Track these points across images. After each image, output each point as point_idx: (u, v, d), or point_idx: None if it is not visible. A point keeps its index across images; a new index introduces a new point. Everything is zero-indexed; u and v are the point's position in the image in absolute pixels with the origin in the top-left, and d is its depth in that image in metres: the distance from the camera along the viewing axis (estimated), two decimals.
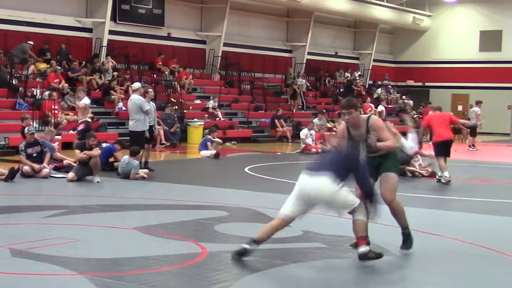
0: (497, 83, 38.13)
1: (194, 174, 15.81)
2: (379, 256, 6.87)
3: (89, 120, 16.33)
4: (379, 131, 7.25)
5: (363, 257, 6.81)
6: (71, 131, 19.22)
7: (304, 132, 22.09)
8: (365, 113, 27.96)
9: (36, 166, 13.54)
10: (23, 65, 23.00)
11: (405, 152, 15.04)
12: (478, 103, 26.55)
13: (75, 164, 13.99)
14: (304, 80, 32.82)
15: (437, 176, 14.35)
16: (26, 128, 14.57)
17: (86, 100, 16.75)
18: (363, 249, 6.82)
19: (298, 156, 21.08)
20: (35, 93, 22.02)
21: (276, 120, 27.63)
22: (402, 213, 7.47)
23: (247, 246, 6.91)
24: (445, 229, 8.70)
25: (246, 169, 16.26)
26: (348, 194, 6.91)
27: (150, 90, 15.90)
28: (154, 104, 16.03)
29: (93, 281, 6.10)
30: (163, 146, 22.58)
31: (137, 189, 12.62)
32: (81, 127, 16.04)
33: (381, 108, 29.76)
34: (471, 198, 12.78)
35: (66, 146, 17.91)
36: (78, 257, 7.03)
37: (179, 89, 27.38)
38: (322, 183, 6.79)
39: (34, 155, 13.82)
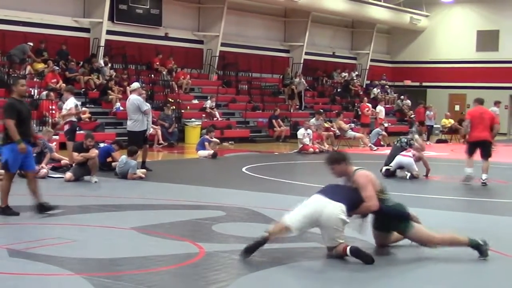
0: (494, 83, 38.14)
1: (192, 174, 15.80)
2: (368, 258, 6.94)
3: (75, 120, 16.13)
4: (360, 189, 7.27)
5: (354, 251, 6.92)
6: None
7: (301, 132, 22.05)
8: (362, 113, 28.39)
9: (36, 167, 13.49)
10: (21, 65, 22.97)
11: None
12: (497, 103, 25.46)
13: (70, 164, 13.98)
14: (302, 80, 32.79)
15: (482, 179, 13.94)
16: None
17: (71, 102, 15.74)
18: (349, 246, 6.96)
19: (296, 156, 21.09)
20: (32, 93, 22.00)
21: (274, 120, 27.65)
22: (453, 241, 7.46)
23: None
24: (444, 228, 8.70)
25: (243, 169, 16.27)
26: (343, 231, 7.07)
27: (143, 91, 15.83)
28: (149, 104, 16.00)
29: (91, 281, 6.11)
30: (161, 146, 22.59)
31: (134, 189, 12.61)
32: (67, 127, 15.91)
33: (379, 108, 29.72)
34: (470, 198, 12.79)
35: (63, 146, 17.87)
36: (75, 257, 7.04)
37: (176, 89, 27.39)
38: (338, 208, 7.01)
39: (34, 154, 13.77)
